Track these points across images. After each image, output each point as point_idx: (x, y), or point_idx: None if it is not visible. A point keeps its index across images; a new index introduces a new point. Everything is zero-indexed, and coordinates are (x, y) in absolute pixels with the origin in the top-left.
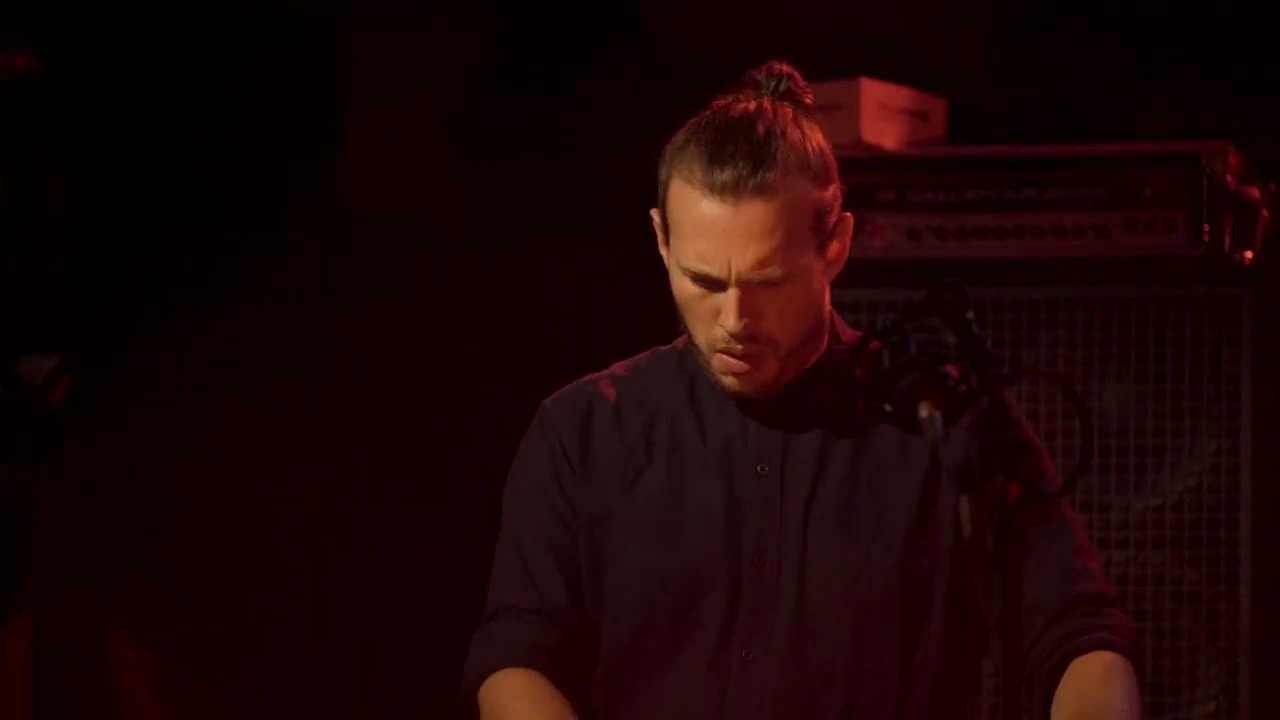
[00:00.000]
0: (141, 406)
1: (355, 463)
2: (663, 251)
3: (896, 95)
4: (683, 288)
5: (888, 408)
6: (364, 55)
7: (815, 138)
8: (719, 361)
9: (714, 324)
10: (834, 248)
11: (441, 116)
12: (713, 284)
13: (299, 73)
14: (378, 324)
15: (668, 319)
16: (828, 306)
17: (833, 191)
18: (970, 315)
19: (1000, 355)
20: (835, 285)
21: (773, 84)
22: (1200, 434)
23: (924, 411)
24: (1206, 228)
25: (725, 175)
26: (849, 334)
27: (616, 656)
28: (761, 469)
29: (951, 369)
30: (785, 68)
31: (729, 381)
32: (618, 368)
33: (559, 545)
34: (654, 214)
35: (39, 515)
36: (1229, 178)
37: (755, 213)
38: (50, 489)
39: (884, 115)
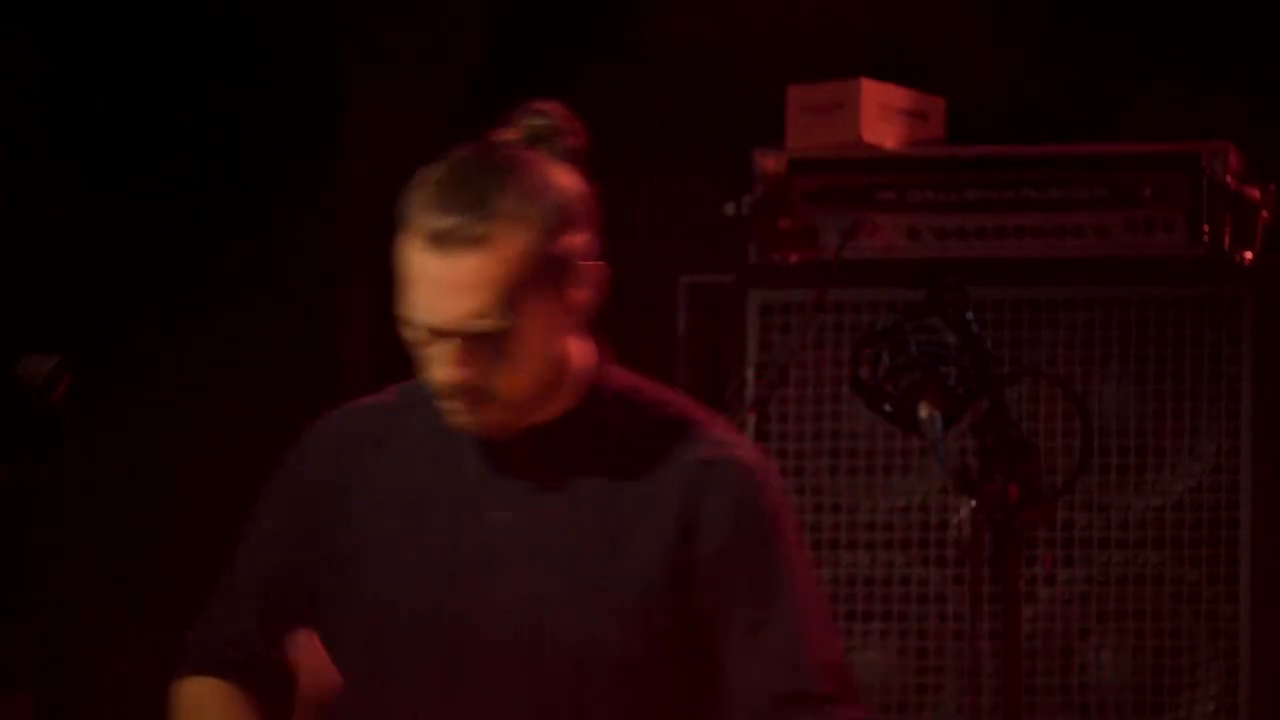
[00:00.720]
0: (141, 406)
1: None
2: None
3: (896, 95)
4: (406, 332)
5: (887, 408)
6: (364, 55)
7: (556, 187)
8: (444, 405)
9: (431, 373)
10: (574, 297)
11: (442, 117)
12: (429, 333)
13: (299, 72)
14: (377, 323)
15: (665, 319)
16: (580, 353)
17: (571, 242)
18: (970, 315)
19: (1000, 355)
20: (837, 285)
21: (532, 125)
22: (1200, 434)
23: (924, 411)
24: (1206, 228)
25: (440, 224)
26: (617, 380)
27: (350, 698)
28: (499, 518)
29: (951, 369)
30: (549, 107)
31: (455, 422)
32: (390, 393)
33: (273, 579)
34: None
35: (39, 515)
36: (1229, 178)
37: (467, 265)
38: (50, 489)
39: (884, 115)
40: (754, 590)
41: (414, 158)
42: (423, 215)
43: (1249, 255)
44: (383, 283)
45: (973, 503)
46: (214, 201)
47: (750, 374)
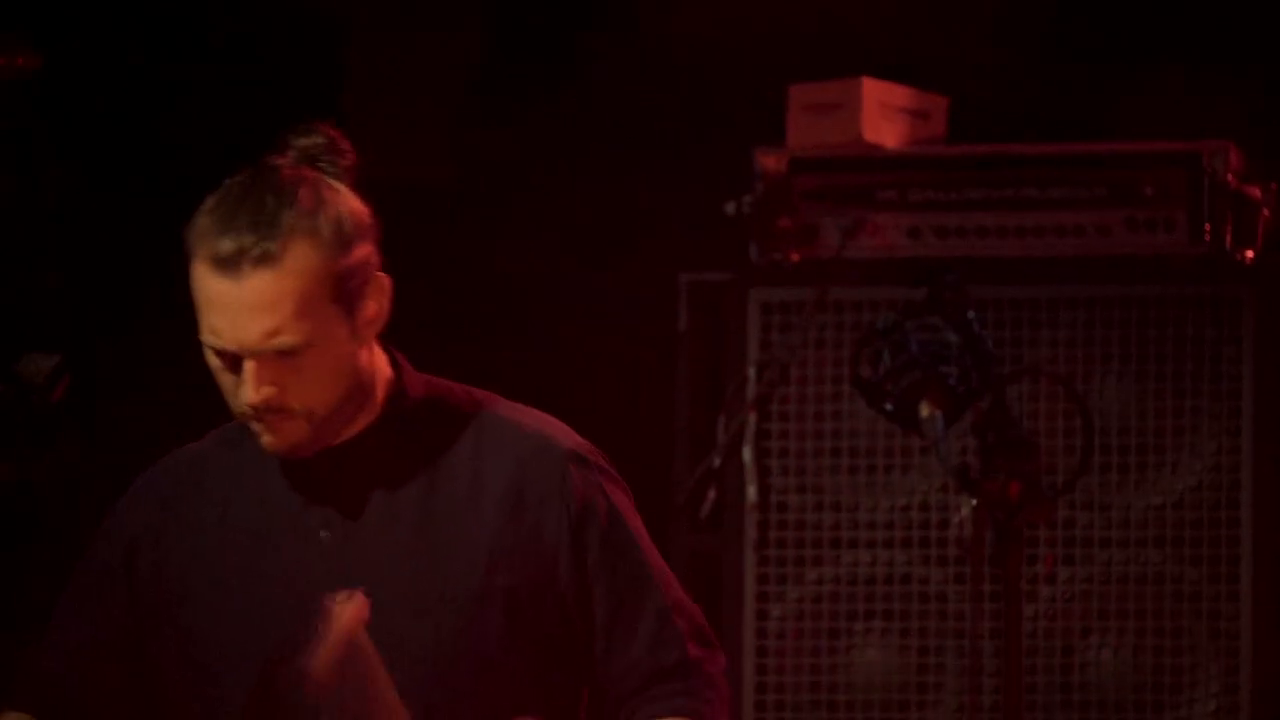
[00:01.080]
0: (142, 406)
1: None
2: None
3: (897, 94)
4: (209, 359)
5: (888, 406)
6: (365, 56)
7: (338, 203)
8: (253, 426)
9: (237, 396)
10: (367, 309)
11: (442, 117)
12: (229, 358)
13: (300, 72)
14: None
15: (666, 317)
16: (379, 364)
17: (358, 255)
18: (971, 314)
19: (1001, 354)
20: (838, 284)
21: (304, 145)
22: (1201, 433)
23: (925, 410)
24: (1208, 227)
25: (227, 247)
26: (420, 387)
27: None
28: (324, 535)
29: (952, 368)
30: (320, 127)
31: (265, 443)
32: (208, 438)
33: (95, 630)
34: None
35: (39, 515)
36: (1230, 177)
37: (259, 284)
38: (50, 488)
39: (885, 114)
40: (603, 574)
41: (415, 158)
42: (209, 240)
43: (1250, 254)
44: None
45: (974, 501)
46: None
47: (751, 372)
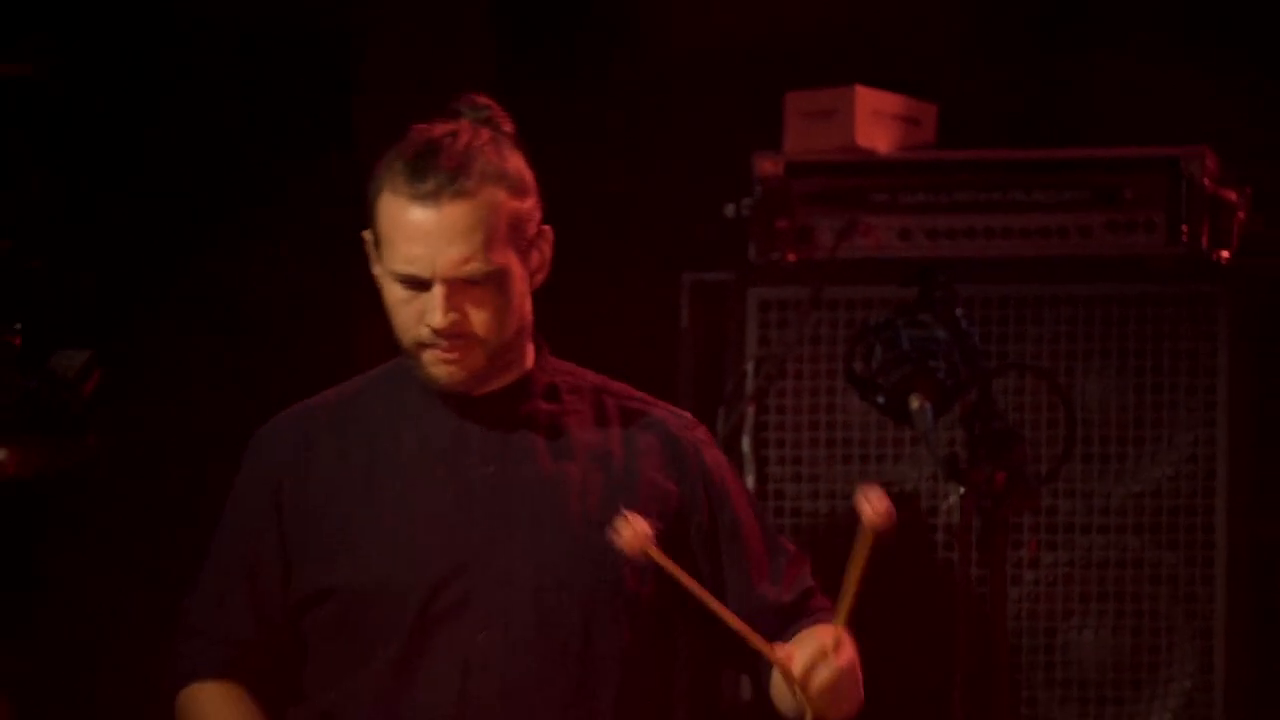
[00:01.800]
0: (171, 404)
1: None
2: (375, 271)
3: (889, 102)
4: (392, 293)
5: (880, 399)
6: (375, 62)
7: (512, 158)
8: (428, 355)
9: (420, 324)
10: (535, 257)
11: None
12: (420, 284)
13: (311, 80)
14: (389, 325)
15: (669, 314)
16: (532, 321)
17: (531, 204)
18: (959, 312)
19: (988, 350)
20: (833, 283)
21: (473, 113)
22: (1178, 424)
23: (915, 403)
24: (1185, 228)
25: (428, 185)
26: (557, 362)
27: (369, 664)
28: (487, 469)
29: (941, 363)
30: (484, 100)
31: (439, 372)
32: (330, 392)
33: (259, 586)
34: (365, 235)
35: (70, 507)
36: (1206, 180)
37: (456, 214)
38: (81, 481)
39: (877, 120)
40: (738, 533)
41: None
42: (408, 179)
43: (1225, 254)
44: None
45: (961, 490)
46: (231, 202)
47: (750, 367)
